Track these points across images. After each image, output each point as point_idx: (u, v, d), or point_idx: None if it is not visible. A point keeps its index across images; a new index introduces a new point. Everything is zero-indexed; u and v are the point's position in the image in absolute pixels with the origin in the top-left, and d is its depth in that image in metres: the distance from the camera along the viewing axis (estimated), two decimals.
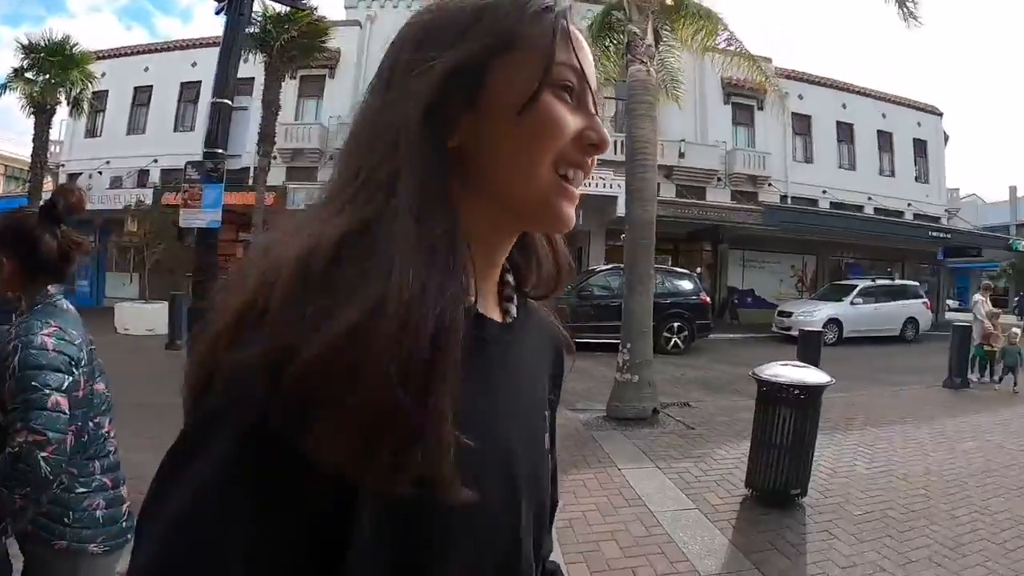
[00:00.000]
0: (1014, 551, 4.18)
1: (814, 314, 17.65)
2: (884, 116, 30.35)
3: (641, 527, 4.28)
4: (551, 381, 0.84)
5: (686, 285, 15.51)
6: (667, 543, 4.05)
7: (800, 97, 27.53)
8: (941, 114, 32.72)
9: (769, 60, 25.37)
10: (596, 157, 0.67)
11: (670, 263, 20.25)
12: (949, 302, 30.47)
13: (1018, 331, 11.04)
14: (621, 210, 8.11)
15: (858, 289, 19.19)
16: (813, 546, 4.17)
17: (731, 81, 21.86)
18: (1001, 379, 10.59)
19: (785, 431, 4.70)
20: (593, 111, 0.66)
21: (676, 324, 14.79)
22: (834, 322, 17.91)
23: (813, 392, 4.80)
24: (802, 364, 5.17)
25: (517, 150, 0.62)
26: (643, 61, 7.71)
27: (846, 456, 6.23)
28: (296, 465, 0.49)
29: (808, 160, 28.35)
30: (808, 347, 8.22)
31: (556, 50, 0.62)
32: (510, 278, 0.77)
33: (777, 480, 4.78)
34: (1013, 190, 51.25)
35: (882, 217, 26.51)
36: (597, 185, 17.90)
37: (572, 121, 0.63)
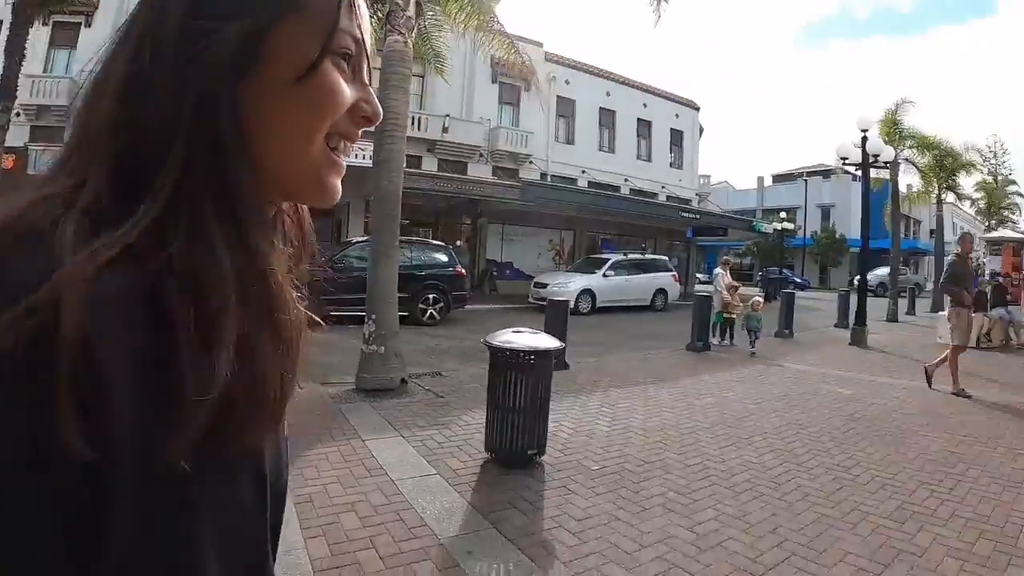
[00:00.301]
0: (742, 493, 4.62)
1: (568, 285, 18.49)
2: (645, 106, 33.30)
3: (381, 496, 4.26)
4: None
5: (441, 257, 15.65)
6: (406, 510, 4.06)
7: (567, 82, 29.29)
8: (698, 108, 36.65)
9: (540, 45, 26.60)
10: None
11: (430, 236, 20.47)
12: (699, 275, 33.98)
13: (760, 300, 12.60)
14: None
15: (610, 262, 20.58)
16: (551, 502, 4.32)
17: (499, 61, 22.47)
18: (752, 343, 11.78)
19: (519, 395, 4.87)
20: (367, 82, 0.63)
21: (431, 296, 14.90)
22: (588, 293, 19.09)
23: (543, 356, 5.01)
24: (533, 331, 5.37)
25: (292, 121, 0.56)
26: (402, 32, 7.61)
27: (589, 416, 6.56)
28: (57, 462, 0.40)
29: (570, 141, 30.15)
30: (555, 316, 8.70)
31: (340, 16, 0.57)
32: None
33: (514, 442, 4.90)
34: (760, 180, 59.94)
35: (637, 198, 28.91)
36: (356, 156, 17.40)
37: (349, 92, 0.59)
